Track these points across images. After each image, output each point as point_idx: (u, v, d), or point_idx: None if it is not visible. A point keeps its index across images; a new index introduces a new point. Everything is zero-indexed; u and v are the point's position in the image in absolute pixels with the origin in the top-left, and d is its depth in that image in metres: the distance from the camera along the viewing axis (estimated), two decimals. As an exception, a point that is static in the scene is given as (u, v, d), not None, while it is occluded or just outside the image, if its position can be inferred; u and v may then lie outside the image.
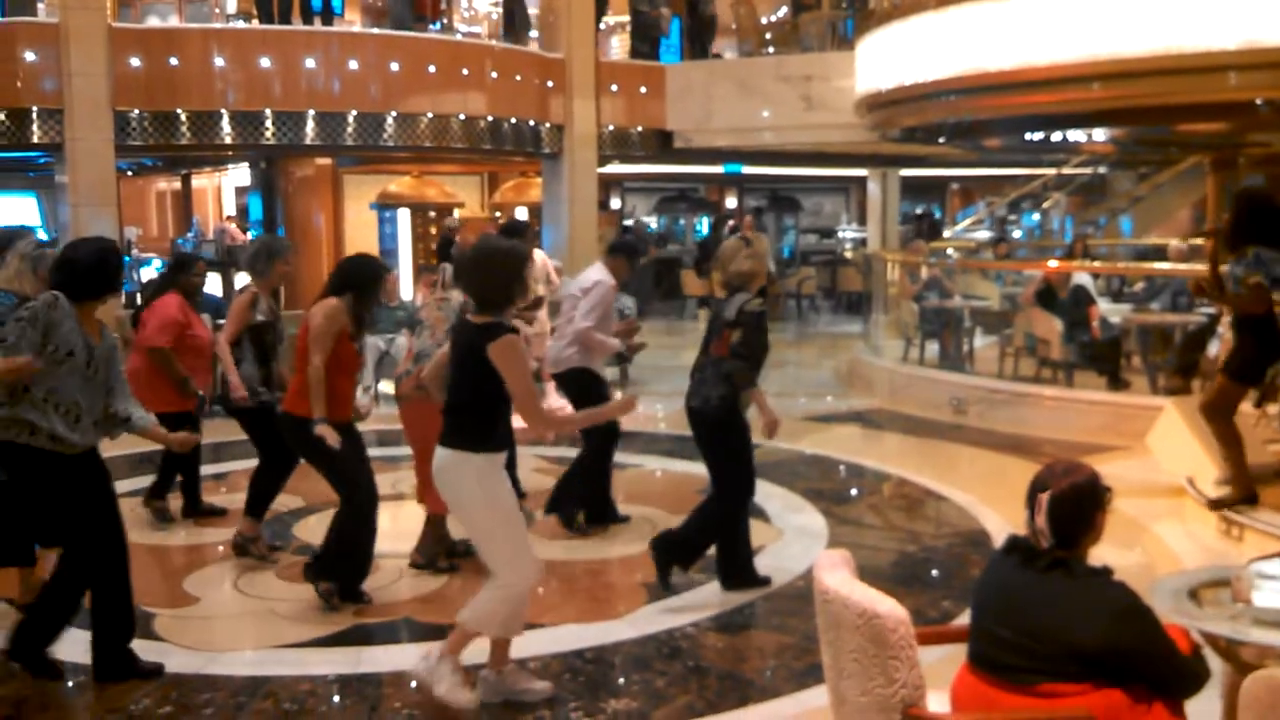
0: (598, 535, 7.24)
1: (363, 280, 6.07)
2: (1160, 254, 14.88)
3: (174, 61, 14.01)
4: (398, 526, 7.38)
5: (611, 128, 18.41)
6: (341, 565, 5.97)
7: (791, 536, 7.20)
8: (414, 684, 4.85)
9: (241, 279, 15.99)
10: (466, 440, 4.65)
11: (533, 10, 18.37)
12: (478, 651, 4.81)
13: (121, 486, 6.04)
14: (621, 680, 5.09)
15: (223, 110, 14.21)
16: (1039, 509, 3.28)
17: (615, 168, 21.86)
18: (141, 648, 5.31)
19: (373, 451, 9.65)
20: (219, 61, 14.21)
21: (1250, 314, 6.86)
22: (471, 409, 4.68)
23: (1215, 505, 7.08)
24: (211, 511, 7.76)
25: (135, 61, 13.80)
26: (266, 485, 6.88)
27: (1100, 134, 14.99)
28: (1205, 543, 6.98)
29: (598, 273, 7.47)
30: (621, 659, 5.33)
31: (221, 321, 12.08)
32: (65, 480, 4.88)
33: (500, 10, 18.87)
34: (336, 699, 4.93)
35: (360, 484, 5.95)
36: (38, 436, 4.78)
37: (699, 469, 6.88)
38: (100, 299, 5.01)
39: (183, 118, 14.08)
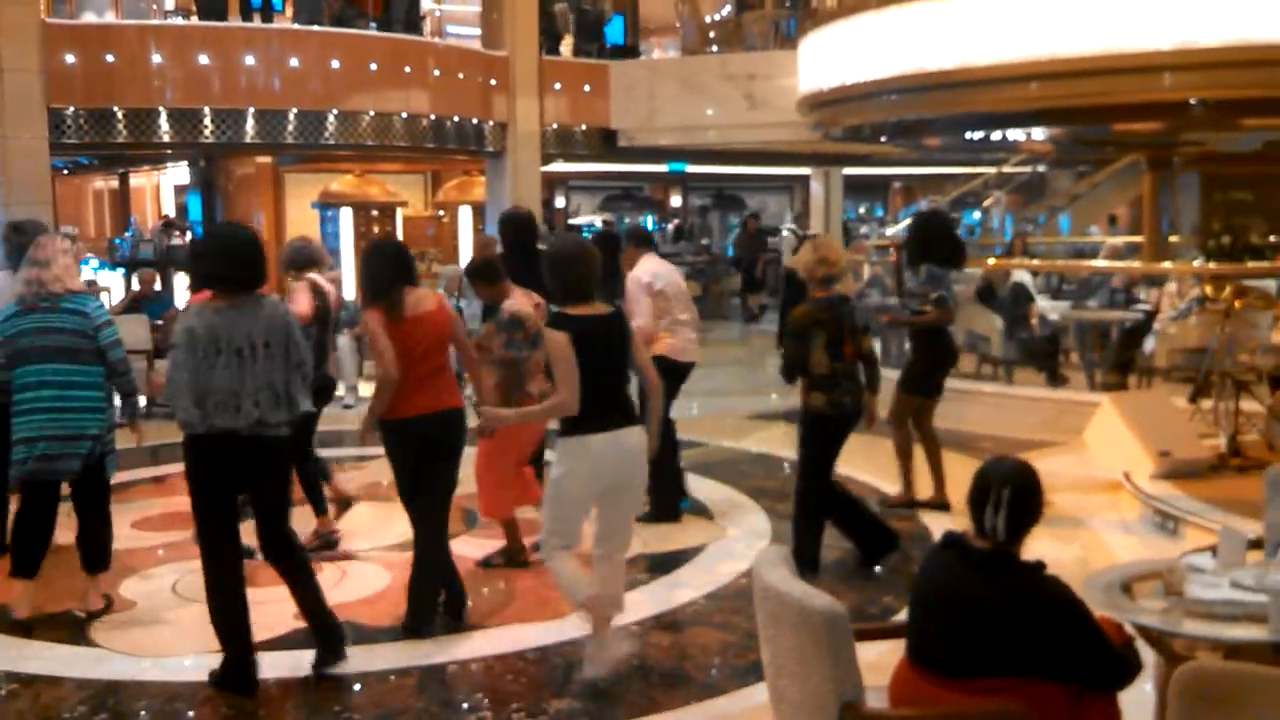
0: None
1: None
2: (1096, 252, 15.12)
3: (110, 58, 13.77)
4: (346, 525, 7.33)
5: (555, 126, 18.35)
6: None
7: (735, 534, 7.23)
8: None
9: (181, 279, 15.85)
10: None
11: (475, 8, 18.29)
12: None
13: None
14: (566, 680, 5.08)
15: (161, 108, 13.99)
16: (1001, 505, 3.32)
17: (559, 166, 21.80)
18: (77, 654, 5.24)
19: (325, 452, 9.66)
20: (156, 58, 13.99)
21: (931, 328, 7.63)
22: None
23: (889, 504, 7.72)
24: None
25: (70, 58, 13.56)
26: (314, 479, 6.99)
27: (1039, 133, 15.14)
28: (1141, 536, 7.09)
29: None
30: (564, 659, 5.32)
31: (160, 322, 12.00)
32: None
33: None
34: (276, 703, 4.89)
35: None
36: None
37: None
38: None
39: (119, 115, 13.85)
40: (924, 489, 7.69)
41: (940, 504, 7.60)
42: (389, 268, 5.55)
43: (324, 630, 5.16)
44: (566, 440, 4.92)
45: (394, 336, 5.39)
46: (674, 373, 7.07)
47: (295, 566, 5.15)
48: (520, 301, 6.37)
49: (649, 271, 7.38)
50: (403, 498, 5.67)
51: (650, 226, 25.35)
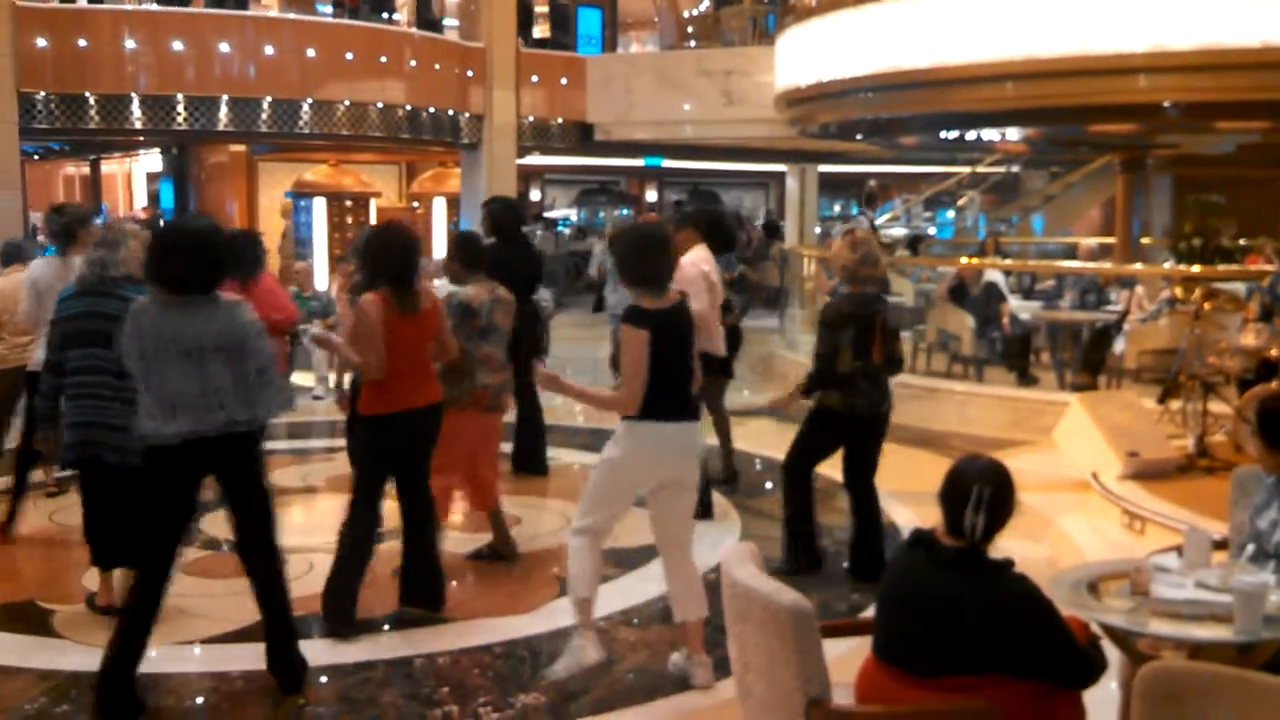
0: (515, 528, 7.20)
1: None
2: (1070, 253, 15.20)
3: (83, 43, 13.67)
4: (310, 520, 7.30)
5: (531, 119, 18.32)
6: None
7: (703, 529, 7.20)
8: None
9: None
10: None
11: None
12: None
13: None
14: (533, 674, 5.06)
15: (133, 94, 13.91)
16: (982, 503, 3.32)
17: (535, 159, 21.76)
18: (38, 645, 5.19)
19: (281, 445, 9.63)
20: (130, 44, 13.90)
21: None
22: None
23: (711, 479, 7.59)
24: None
25: (42, 42, 13.44)
26: None
27: (1014, 133, 15.23)
28: (1108, 536, 7.13)
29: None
30: (531, 653, 5.30)
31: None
32: None
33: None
34: (240, 695, 4.85)
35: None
36: None
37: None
38: None
39: (91, 101, 13.75)
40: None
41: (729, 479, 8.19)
42: (409, 254, 5.47)
43: (282, 650, 4.88)
44: (636, 424, 4.77)
45: (396, 329, 5.30)
46: (715, 366, 7.13)
47: (270, 576, 4.87)
48: (476, 292, 6.24)
49: (706, 260, 7.26)
50: (369, 494, 5.48)
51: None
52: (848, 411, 6.15)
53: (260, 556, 4.84)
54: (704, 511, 7.22)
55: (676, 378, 4.83)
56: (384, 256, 5.48)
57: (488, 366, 6.15)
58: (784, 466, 6.50)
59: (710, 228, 7.60)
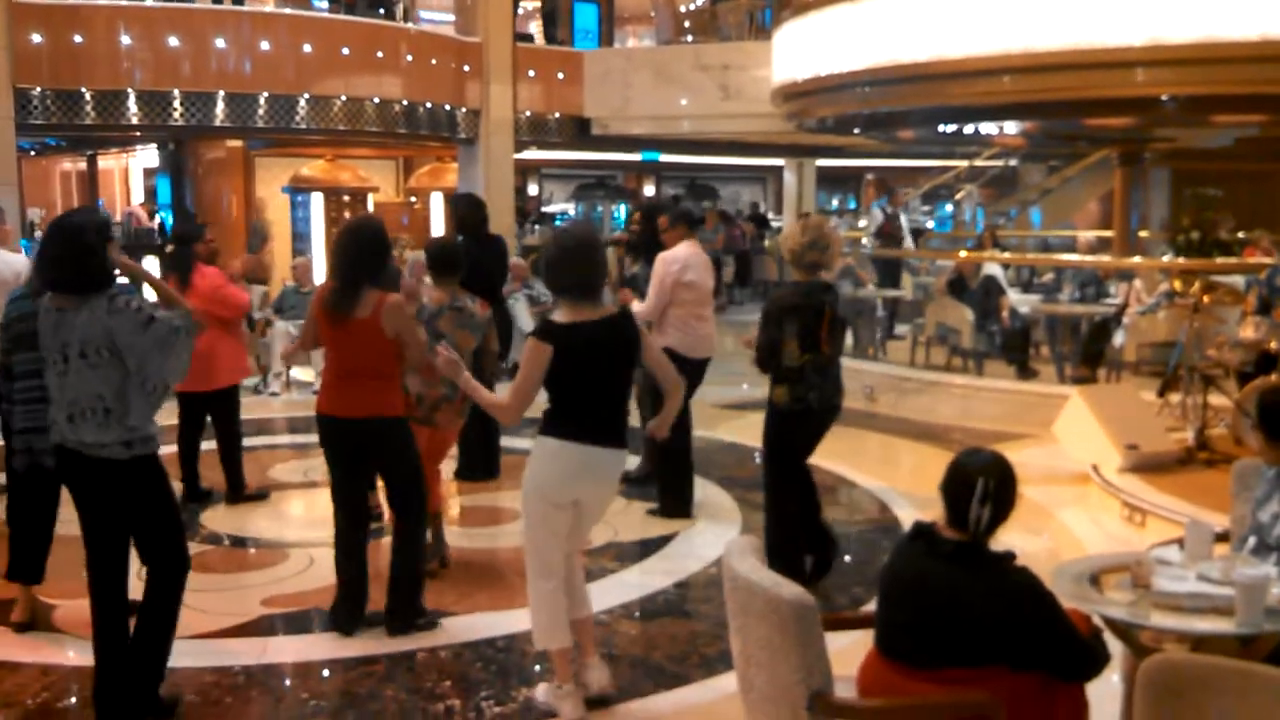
0: (515, 523, 7.21)
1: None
2: (1069, 246, 15.20)
3: (78, 39, 13.64)
4: (311, 514, 7.29)
5: (529, 113, 18.30)
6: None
7: (705, 524, 7.22)
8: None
9: (150, 262, 15.70)
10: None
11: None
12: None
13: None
14: (534, 668, 5.06)
15: (129, 89, 13.88)
16: (988, 496, 3.32)
17: (532, 154, 21.74)
18: (41, 640, 5.18)
19: (283, 439, 9.64)
20: (125, 39, 13.87)
21: None
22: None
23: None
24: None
25: (37, 37, 13.42)
26: None
27: (1011, 127, 15.21)
28: (1109, 529, 7.13)
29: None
30: (533, 646, 5.29)
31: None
32: None
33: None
34: (242, 690, 4.85)
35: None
36: None
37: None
38: None
39: (87, 96, 13.73)
40: None
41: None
42: (354, 254, 5.15)
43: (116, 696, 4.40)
44: (545, 440, 4.45)
45: (324, 330, 5.21)
46: (683, 369, 6.60)
47: (150, 606, 4.44)
48: (436, 297, 6.07)
49: (681, 259, 7.06)
50: (334, 493, 5.39)
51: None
52: (798, 408, 5.81)
53: (98, 592, 4.40)
54: (674, 509, 7.24)
55: (598, 399, 4.45)
56: (334, 255, 5.34)
57: (419, 375, 5.68)
58: (768, 489, 6.17)
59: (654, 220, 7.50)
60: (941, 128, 15.56)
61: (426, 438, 5.82)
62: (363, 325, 5.10)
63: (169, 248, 7.57)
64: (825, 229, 6.00)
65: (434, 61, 16.54)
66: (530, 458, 4.55)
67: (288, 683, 4.94)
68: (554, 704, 4.59)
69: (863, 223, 17.49)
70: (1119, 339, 10.71)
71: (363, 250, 5.15)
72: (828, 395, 5.89)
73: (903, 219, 16.03)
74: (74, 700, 4.72)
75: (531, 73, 18.28)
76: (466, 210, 8.18)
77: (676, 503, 7.29)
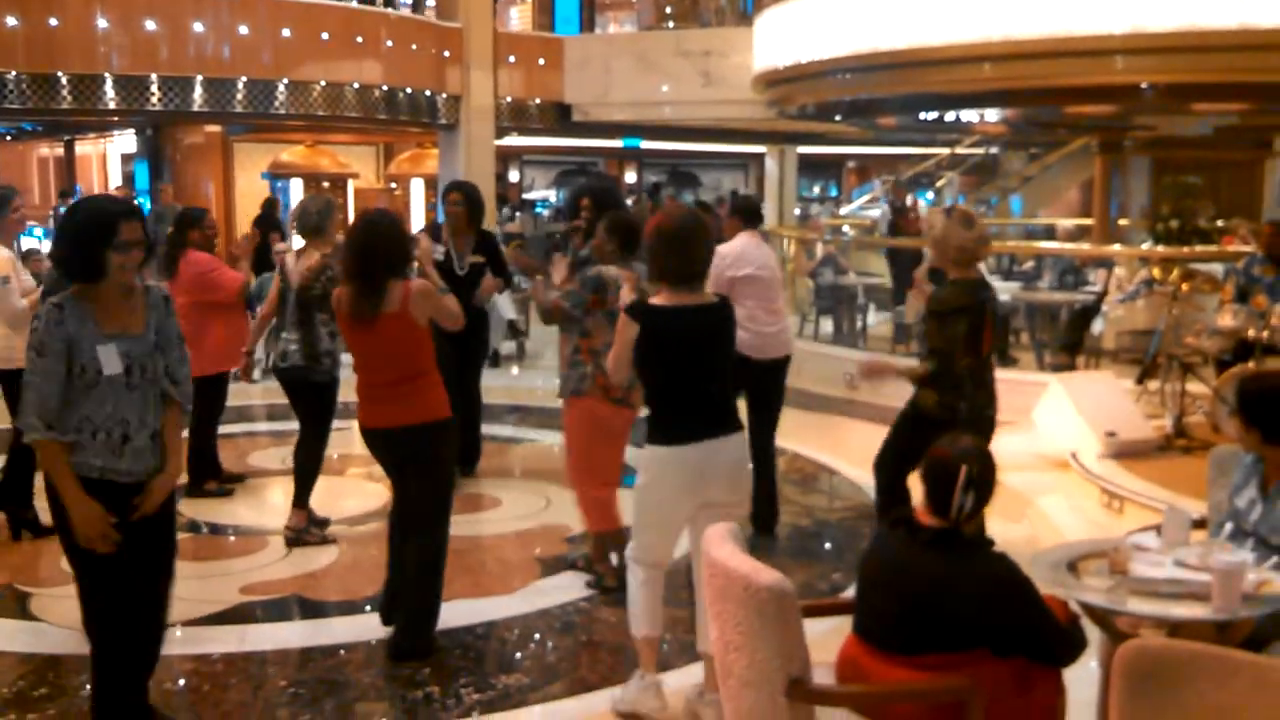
0: (496, 510, 7.20)
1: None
2: (1049, 233, 15.24)
3: (54, 22, 13.52)
4: (289, 502, 7.25)
5: (509, 99, 18.24)
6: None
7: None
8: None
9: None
10: None
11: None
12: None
13: None
14: (515, 655, 5.06)
15: (106, 74, 13.76)
16: (972, 483, 3.32)
17: (513, 140, 21.68)
18: (18, 628, 5.15)
19: (260, 426, 9.59)
20: (102, 23, 13.75)
21: None
22: None
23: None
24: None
25: (12, 21, 13.28)
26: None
27: (992, 115, 15.23)
28: (1088, 515, 7.16)
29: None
30: (513, 633, 5.30)
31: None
32: None
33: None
34: (221, 678, 4.83)
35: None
36: None
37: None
38: None
39: (64, 81, 13.61)
40: None
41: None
42: (370, 249, 4.86)
43: None
44: (644, 452, 4.36)
45: (348, 335, 4.99)
46: (750, 372, 6.33)
47: None
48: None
49: (734, 252, 6.56)
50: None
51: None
52: (944, 415, 5.17)
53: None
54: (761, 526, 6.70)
55: (694, 387, 4.31)
56: (350, 253, 4.94)
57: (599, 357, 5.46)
58: (875, 465, 5.68)
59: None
60: (922, 115, 15.56)
61: (624, 420, 5.63)
62: (393, 320, 4.80)
63: (169, 230, 7.43)
64: (980, 220, 5.66)
65: (414, 47, 16.46)
66: (640, 470, 4.43)
67: (267, 670, 4.93)
68: (635, 695, 4.50)
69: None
70: (1098, 327, 10.74)
71: (385, 244, 4.86)
72: (980, 405, 5.33)
73: (921, 205, 15.87)
74: (46, 689, 4.69)
75: (512, 58, 18.22)
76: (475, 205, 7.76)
77: (763, 521, 6.68)
